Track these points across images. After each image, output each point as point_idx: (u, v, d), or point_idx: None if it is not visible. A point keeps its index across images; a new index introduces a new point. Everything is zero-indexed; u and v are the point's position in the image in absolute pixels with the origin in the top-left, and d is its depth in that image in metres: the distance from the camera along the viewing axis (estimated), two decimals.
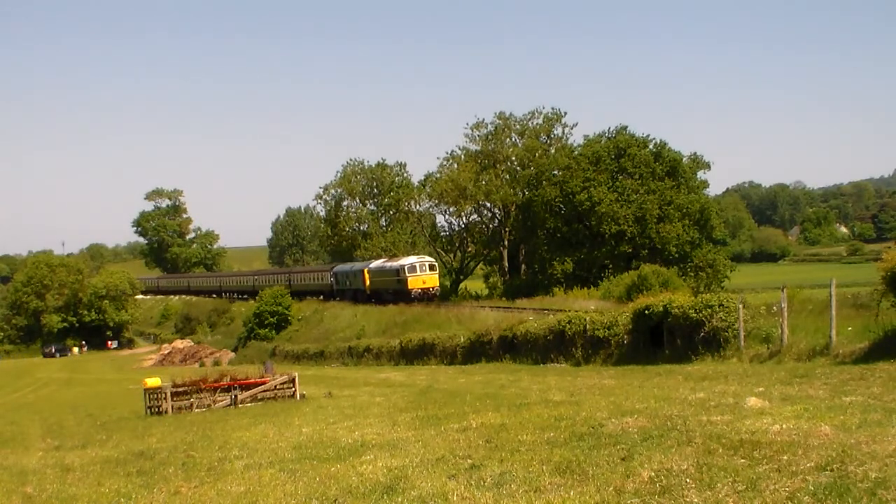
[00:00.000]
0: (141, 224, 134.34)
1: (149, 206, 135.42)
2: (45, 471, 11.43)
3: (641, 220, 60.93)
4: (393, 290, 56.24)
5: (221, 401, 19.60)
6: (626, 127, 68.07)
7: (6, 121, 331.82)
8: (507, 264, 74.63)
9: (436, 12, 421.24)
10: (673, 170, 65.17)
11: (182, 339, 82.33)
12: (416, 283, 53.98)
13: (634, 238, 61.23)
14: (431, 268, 55.93)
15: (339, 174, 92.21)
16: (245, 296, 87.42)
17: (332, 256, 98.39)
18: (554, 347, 24.71)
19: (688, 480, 6.56)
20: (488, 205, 77.33)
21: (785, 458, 6.98)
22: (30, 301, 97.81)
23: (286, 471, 9.00)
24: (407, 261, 56.55)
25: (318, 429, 12.97)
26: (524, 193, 73.00)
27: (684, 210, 62.59)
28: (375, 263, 61.73)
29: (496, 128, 76.12)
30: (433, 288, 55.02)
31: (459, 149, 78.76)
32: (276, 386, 20.65)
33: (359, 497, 7.34)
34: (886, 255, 16.49)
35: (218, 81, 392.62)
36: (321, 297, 70.12)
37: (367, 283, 60.48)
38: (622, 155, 65.04)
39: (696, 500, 6.09)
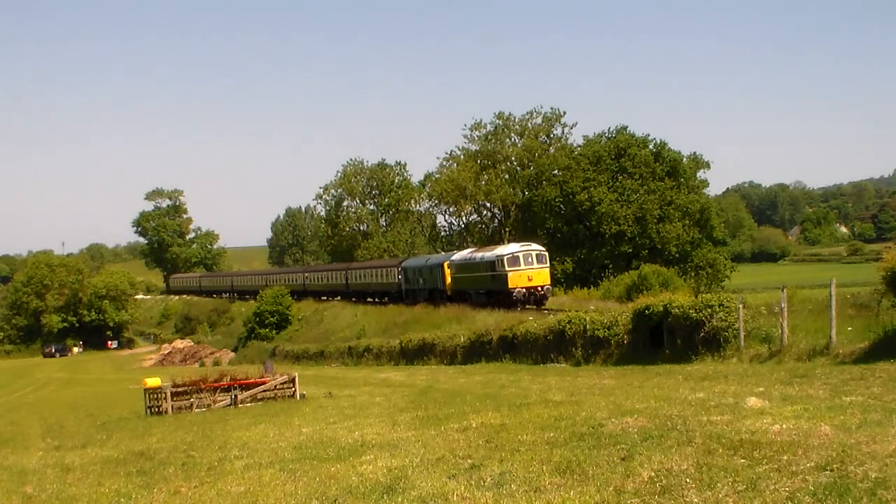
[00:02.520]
0: (141, 224, 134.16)
1: (149, 206, 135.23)
2: (45, 471, 11.43)
3: (641, 220, 61.02)
4: (486, 290, 42.80)
5: (221, 401, 19.61)
6: (626, 127, 68.24)
7: (6, 121, 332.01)
8: None
9: (436, 12, 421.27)
10: (673, 170, 65.28)
11: (182, 339, 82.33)
12: (518, 279, 39.79)
13: (634, 238, 61.28)
14: (540, 259, 40.93)
15: (339, 174, 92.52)
16: (295, 296, 74.93)
17: (332, 256, 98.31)
18: (554, 347, 24.70)
19: (688, 480, 6.56)
20: (488, 205, 77.44)
21: (785, 458, 6.98)
22: (30, 301, 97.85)
23: (286, 471, 9.00)
24: (505, 250, 41.77)
25: (318, 429, 12.97)
26: (524, 193, 73.09)
27: (684, 210, 62.71)
28: (460, 255, 47.78)
29: (496, 128, 76.23)
30: (543, 287, 40.24)
31: (459, 149, 78.95)
32: (276, 386, 20.66)
33: (359, 497, 7.34)
34: (886, 255, 16.51)
35: (218, 81, 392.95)
36: (386, 299, 58.17)
37: (449, 280, 47.31)
38: (622, 155, 65.11)
39: (696, 500, 6.09)
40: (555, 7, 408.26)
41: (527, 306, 38.79)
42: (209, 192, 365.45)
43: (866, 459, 6.66)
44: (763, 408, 9.99)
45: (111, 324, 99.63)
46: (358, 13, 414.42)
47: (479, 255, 44.76)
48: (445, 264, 48.11)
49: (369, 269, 63.68)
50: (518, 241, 47.74)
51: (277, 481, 8.46)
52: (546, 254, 42.02)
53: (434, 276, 49.51)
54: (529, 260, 40.47)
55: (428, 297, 49.94)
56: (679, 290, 31.07)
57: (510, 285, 39.60)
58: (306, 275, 76.87)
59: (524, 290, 39.62)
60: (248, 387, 20.34)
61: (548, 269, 41.33)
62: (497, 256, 41.30)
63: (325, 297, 69.08)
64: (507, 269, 40.09)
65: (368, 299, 61.64)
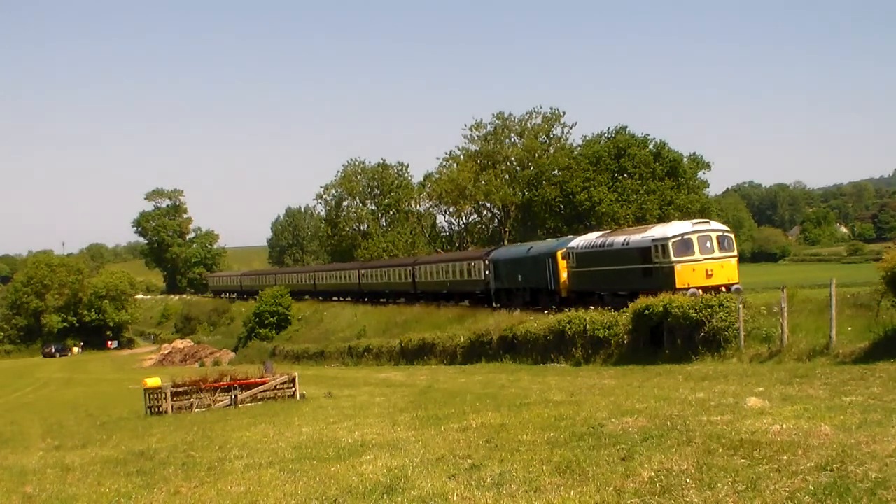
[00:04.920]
0: (141, 224, 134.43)
1: (149, 206, 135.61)
2: (45, 471, 11.43)
3: (641, 220, 61.02)
4: (631, 291, 27.29)
5: (221, 401, 19.62)
6: (626, 127, 68.30)
7: (6, 121, 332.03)
8: None
9: (435, 12, 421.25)
10: (673, 170, 65.36)
11: (182, 339, 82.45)
12: (691, 275, 26.26)
13: None
14: (724, 244, 27.37)
15: (339, 174, 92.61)
16: (349, 297, 66.91)
17: (332, 256, 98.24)
18: (554, 347, 24.70)
19: (688, 480, 6.56)
20: (488, 205, 77.49)
21: (785, 458, 6.98)
22: (30, 301, 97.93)
23: (286, 471, 9.00)
24: (669, 231, 27.65)
25: (318, 429, 12.97)
26: (524, 193, 73.13)
27: (685, 210, 62.72)
28: (582, 241, 33.42)
29: (495, 128, 76.30)
30: (731, 286, 25.81)
31: (459, 149, 79.05)
32: (276, 386, 20.67)
33: (359, 497, 7.34)
34: (886, 255, 16.50)
35: (218, 81, 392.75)
36: (465, 302, 46.11)
37: (564, 277, 34.06)
38: (622, 155, 65.17)
39: (696, 500, 6.09)
40: (555, 7, 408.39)
41: None
42: (209, 192, 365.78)
43: (866, 459, 6.66)
44: (763, 408, 9.99)
45: (111, 324, 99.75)
46: (358, 13, 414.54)
47: (617, 239, 30.65)
48: (559, 254, 34.68)
49: (444, 264, 50.33)
50: (690, 219, 32.29)
51: (277, 481, 8.46)
52: (731, 236, 28.27)
53: (540, 271, 36.42)
54: (708, 245, 26.99)
55: (530, 300, 37.06)
56: None
57: (678, 284, 25.88)
58: (362, 272, 64.37)
59: (700, 290, 24.64)
60: (248, 387, 20.35)
61: (735, 259, 27.69)
62: (654, 241, 27.55)
63: (384, 301, 59.64)
64: (672, 258, 26.47)
65: (443, 302, 48.99)
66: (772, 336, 17.74)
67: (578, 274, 32.81)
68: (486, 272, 43.03)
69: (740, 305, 18.57)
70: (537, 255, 37.35)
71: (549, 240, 44.03)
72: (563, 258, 34.42)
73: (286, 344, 58.61)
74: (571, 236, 38.92)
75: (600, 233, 35.33)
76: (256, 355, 54.11)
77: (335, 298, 69.13)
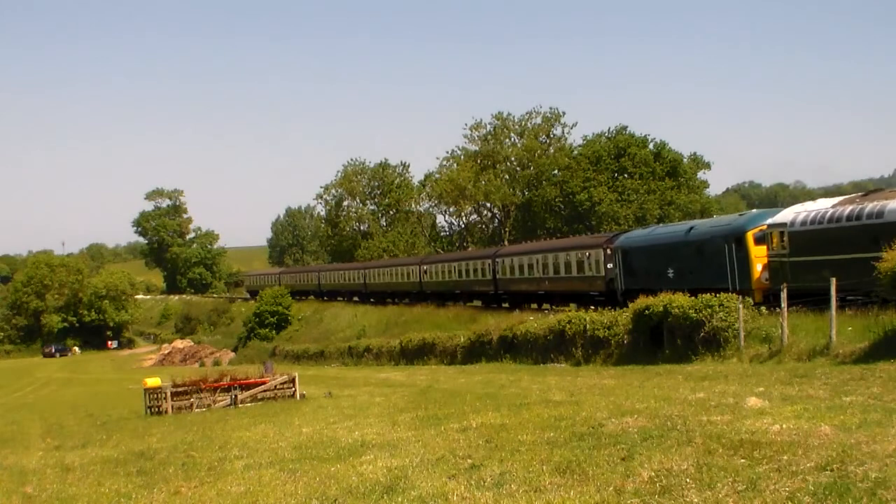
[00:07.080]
0: (141, 224, 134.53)
1: (149, 206, 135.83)
2: (45, 471, 11.43)
3: (642, 220, 61.10)
4: None
5: (221, 401, 19.62)
6: (626, 127, 68.35)
7: (6, 121, 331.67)
8: None
9: (435, 12, 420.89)
10: (673, 169, 65.42)
11: (182, 339, 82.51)
12: None
13: None
14: None
15: (339, 174, 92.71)
16: (407, 300, 56.24)
17: (332, 256, 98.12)
18: (554, 347, 24.70)
19: (688, 480, 6.56)
20: (488, 205, 77.52)
21: (785, 458, 6.97)
22: (30, 301, 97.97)
23: (286, 471, 9.00)
24: None
25: (318, 429, 12.97)
26: (524, 193, 73.17)
27: (685, 210, 62.76)
28: (805, 211, 22.12)
29: (495, 128, 76.32)
30: None
31: (459, 149, 79.08)
32: (276, 386, 20.68)
33: (359, 497, 7.34)
34: (886, 255, 16.47)
35: (217, 81, 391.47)
36: (575, 305, 32.85)
37: (759, 270, 23.48)
38: (622, 155, 65.24)
39: (696, 500, 6.08)
40: (554, 7, 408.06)
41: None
42: (209, 192, 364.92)
43: (866, 459, 6.66)
44: (763, 408, 9.99)
45: (111, 324, 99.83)
46: (357, 13, 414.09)
47: (888, 204, 18.98)
48: (750, 235, 23.86)
49: (540, 255, 38.82)
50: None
51: (277, 481, 8.46)
52: None
53: (712, 263, 25.16)
54: None
55: None
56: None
57: None
58: (424, 268, 52.93)
59: None
60: (248, 387, 20.36)
61: None
62: None
63: (451, 302, 48.28)
64: None
65: (534, 306, 39.45)
66: (772, 336, 17.72)
67: (793, 266, 21.62)
68: (609, 265, 32.36)
69: (740, 305, 18.56)
70: (708, 237, 26.08)
71: (721, 216, 32.80)
72: (758, 242, 23.58)
73: (286, 344, 58.64)
74: (761, 210, 27.93)
75: (836, 200, 22.07)
76: (256, 355, 54.17)
77: (391, 301, 58.65)
